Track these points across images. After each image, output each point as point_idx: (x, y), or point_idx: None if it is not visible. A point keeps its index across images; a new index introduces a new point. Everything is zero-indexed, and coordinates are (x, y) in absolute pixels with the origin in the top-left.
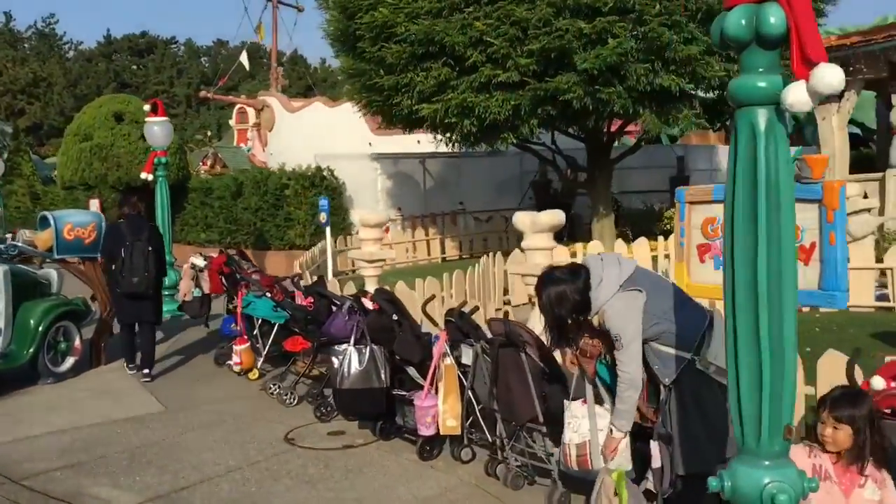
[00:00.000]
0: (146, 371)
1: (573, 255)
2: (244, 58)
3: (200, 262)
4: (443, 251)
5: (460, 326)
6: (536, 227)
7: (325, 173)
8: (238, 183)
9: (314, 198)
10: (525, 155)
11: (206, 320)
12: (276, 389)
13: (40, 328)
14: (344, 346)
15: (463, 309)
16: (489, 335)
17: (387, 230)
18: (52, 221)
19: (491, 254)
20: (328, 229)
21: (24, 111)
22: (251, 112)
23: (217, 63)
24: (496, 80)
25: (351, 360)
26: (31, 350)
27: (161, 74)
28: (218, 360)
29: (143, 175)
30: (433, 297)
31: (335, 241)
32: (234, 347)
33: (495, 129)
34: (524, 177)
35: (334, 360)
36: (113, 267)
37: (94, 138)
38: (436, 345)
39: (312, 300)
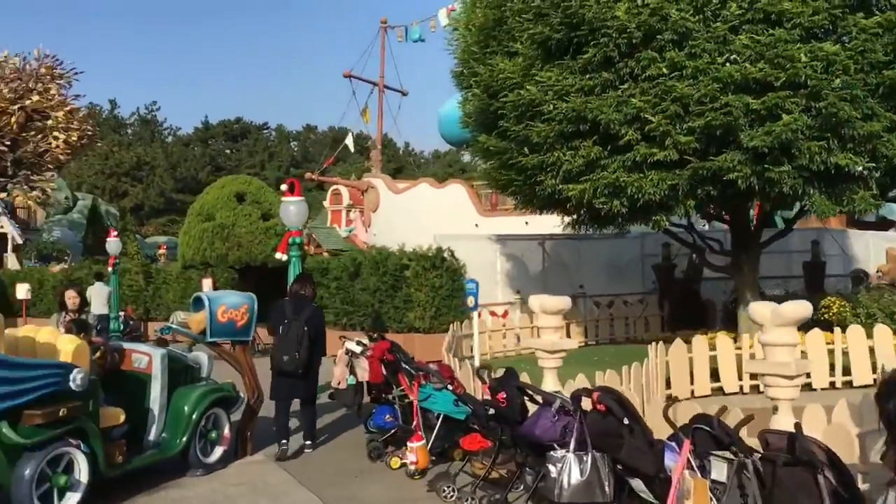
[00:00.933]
0: (308, 442)
1: (712, 345)
2: (349, 141)
3: (356, 347)
4: (567, 337)
5: (716, 435)
6: (780, 319)
7: (445, 254)
8: (356, 263)
9: (434, 279)
10: (647, 237)
11: (358, 410)
12: (451, 493)
13: (194, 416)
14: (561, 452)
15: (719, 416)
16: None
17: (505, 314)
18: (206, 302)
19: (654, 343)
20: (475, 314)
21: (127, 193)
22: (345, 193)
23: (306, 147)
24: (652, 158)
25: (571, 469)
26: (184, 439)
27: (253, 158)
28: (372, 454)
29: (278, 255)
30: (675, 399)
31: (460, 326)
32: (409, 444)
33: (646, 210)
34: (645, 260)
35: (551, 468)
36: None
37: (216, 218)
38: (670, 455)
39: (505, 395)
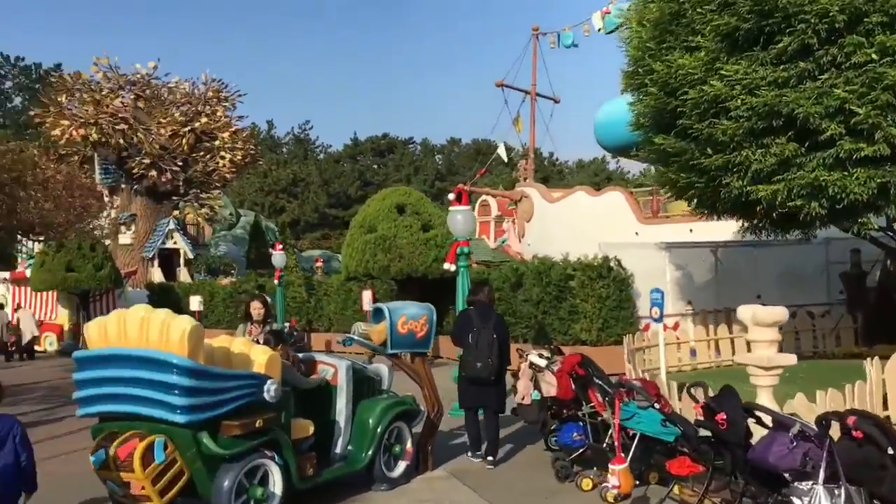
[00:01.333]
0: (490, 458)
1: None
2: (502, 150)
3: (540, 361)
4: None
5: None
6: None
7: (611, 263)
8: (518, 274)
9: (601, 290)
10: (832, 243)
11: (542, 427)
12: None
13: (378, 429)
14: (808, 484)
15: None
16: None
17: (676, 326)
18: (386, 313)
19: (869, 359)
20: (661, 325)
21: (284, 209)
22: (493, 204)
23: (450, 160)
24: (859, 154)
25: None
26: (370, 452)
27: (400, 172)
28: (559, 473)
29: (446, 265)
30: None
31: (633, 339)
32: (611, 467)
33: (849, 211)
34: (831, 268)
35: (796, 501)
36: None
37: (377, 230)
38: None
39: (726, 415)
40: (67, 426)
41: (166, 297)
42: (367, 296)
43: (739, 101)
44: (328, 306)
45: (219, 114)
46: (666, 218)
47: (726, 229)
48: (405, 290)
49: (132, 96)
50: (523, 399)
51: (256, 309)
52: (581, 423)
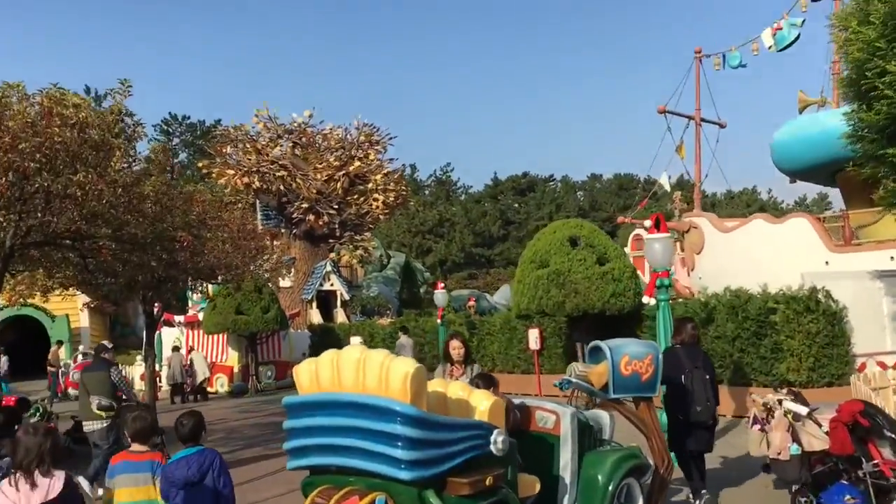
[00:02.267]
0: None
1: None
2: (664, 181)
3: (800, 408)
4: None
5: None
6: None
7: (820, 295)
8: (708, 308)
9: (810, 324)
10: None
11: (804, 486)
12: None
13: (610, 487)
14: None
15: None
16: None
17: (883, 365)
18: (607, 353)
19: None
20: None
21: (430, 249)
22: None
23: (592, 195)
24: None
25: None
26: None
27: (541, 210)
28: None
29: (645, 299)
30: None
31: (859, 378)
32: None
33: None
34: None
35: None
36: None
37: (550, 265)
38: None
39: None
40: (252, 471)
41: (327, 338)
42: (533, 335)
43: None
44: (491, 346)
45: (371, 157)
46: (859, 245)
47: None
48: (576, 326)
49: (290, 144)
50: (779, 454)
51: (456, 348)
52: (855, 485)
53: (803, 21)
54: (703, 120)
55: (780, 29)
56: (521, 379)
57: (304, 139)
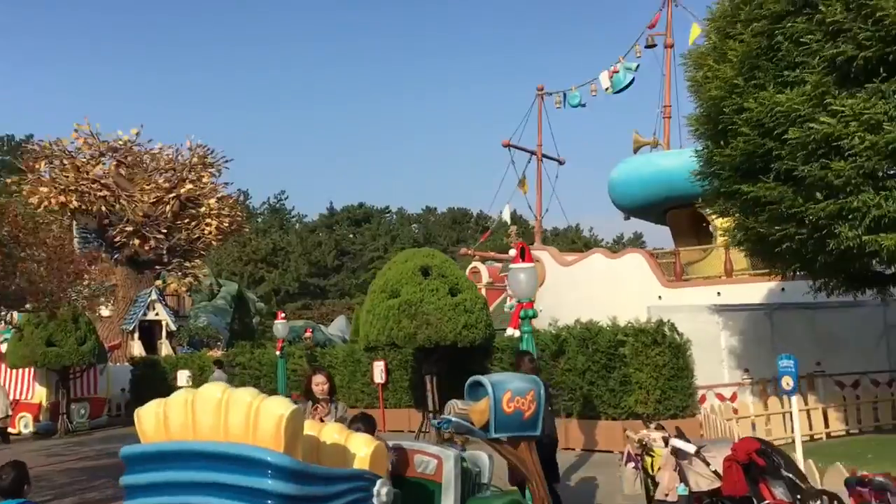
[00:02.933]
0: None
1: None
2: (506, 213)
3: (687, 446)
4: (826, 425)
5: None
6: None
7: (665, 329)
8: (559, 340)
9: (657, 357)
10: (891, 305)
11: None
12: None
13: None
14: None
15: None
16: None
17: (734, 398)
18: (489, 389)
19: None
20: (794, 399)
21: (263, 278)
22: (484, 271)
23: (427, 228)
24: None
25: None
26: None
27: (377, 241)
28: None
29: (510, 331)
30: None
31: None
32: None
33: None
34: (890, 332)
35: None
36: None
37: (401, 294)
38: None
39: None
40: None
41: (151, 372)
42: (378, 367)
43: (856, 138)
44: (333, 378)
45: (205, 180)
46: (688, 281)
47: (755, 292)
48: (427, 360)
49: (114, 163)
50: (667, 495)
51: (319, 384)
52: None
53: (637, 66)
54: (544, 156)
55: (617, 72)
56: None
57: (130, 158)
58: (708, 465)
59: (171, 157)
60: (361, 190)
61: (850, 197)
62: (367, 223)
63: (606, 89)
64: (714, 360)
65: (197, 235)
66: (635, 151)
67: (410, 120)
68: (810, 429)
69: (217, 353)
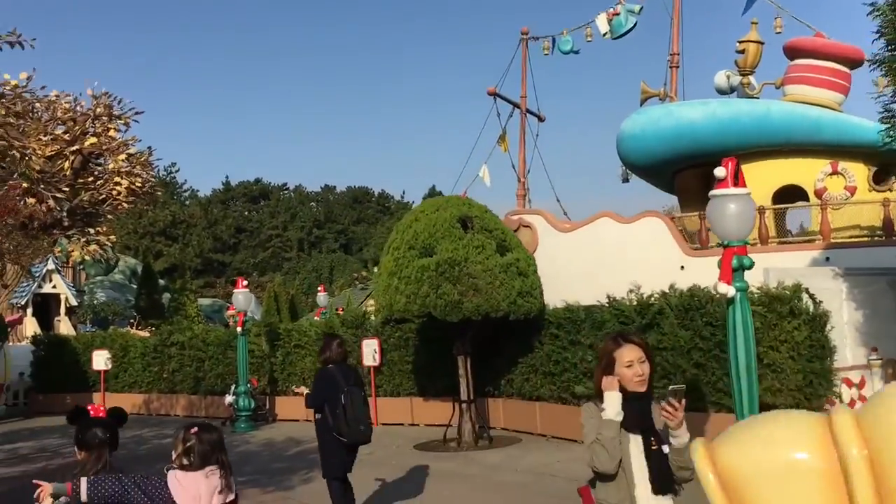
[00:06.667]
0: None
1: None
2: (484, 173)
3: None
4: None
5: None
6: None
7: (803, 296)
8: (650, 311)
9: (794, 332)
10: None
11: None
12: None
13: None
14: None
15: None
16: None
17: (863, 383)
18: None
19: None
20: None
21: (161, 253)
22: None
23: (328, 206)
24: None
25: None
26: None
27: (275, 219)
28: None
29: (722, 288)
30: None
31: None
32: None
33: None
34: None
35: None
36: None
37: (438, 252)
38: None
39: None
40: None
41: (58, 354)
42: (370, 347)
43: None
44: (301, 361)
45: (111, 133)
46: (715, 249)
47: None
48: (463, 336)
49: (1, 110)
50: None
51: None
52: None
53: (641, 7)
54: (528, 111)
55: (617, 14)
56: None
57: (19, 106)
58: None
59: (69, 106)
60: (257, 166)
61: None
62: (265, 200)
63: (605, 34)
64: (836, 336)
65: (103, 196)
66: (642, 103)
67: (305, 91)
68: None
69: (141, 332)
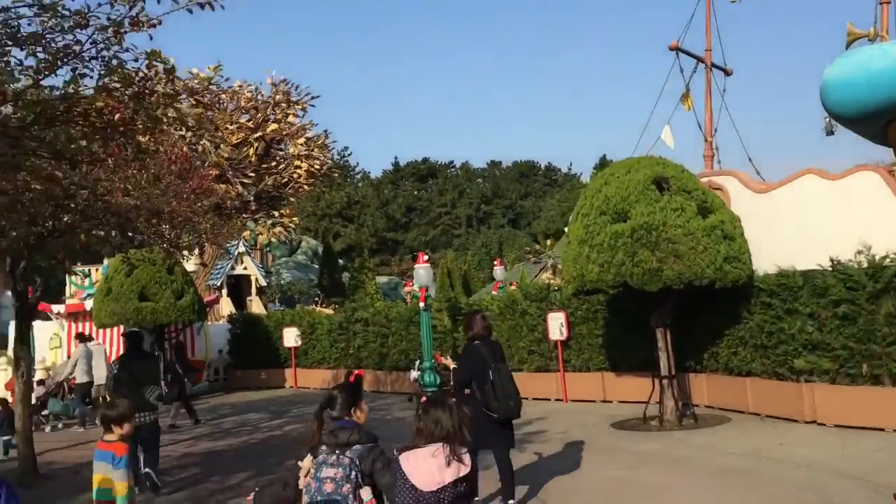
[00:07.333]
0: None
1: None
2: (667, 136)
3: None
4: None
5: None
6: None
7: None
8: (884, 275)
9: None
10: None
11: None
12: None
13: None
14: None
15: None
16: None
17: None
18: None
19: None
20: None
21: (339, 234)
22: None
23: (496, 182)
24: None
25: None
26: None
27: (444, 197)
28: None
29: None
30: None
31: None
32: None
33: None
34: None
35: None
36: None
37: (632, 216)
38: None
39: None
40: None
41: (252, 332)
42: (556, 320)
43: None
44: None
45: (290, 119)
46: None
47: None
48: (662, 306)
49: (191, 103)
50: None
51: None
52: None
53: None
54: (713, 65)
55: None
56: (538, 380)
57: (208, 98)
58: None
59: (251, 96)
60: (424, 146)
61: None
62: (433, 178)
63: None
64: None
65: (285, 180)
66: (848, 46)
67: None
68: None
69: (328, 310)
